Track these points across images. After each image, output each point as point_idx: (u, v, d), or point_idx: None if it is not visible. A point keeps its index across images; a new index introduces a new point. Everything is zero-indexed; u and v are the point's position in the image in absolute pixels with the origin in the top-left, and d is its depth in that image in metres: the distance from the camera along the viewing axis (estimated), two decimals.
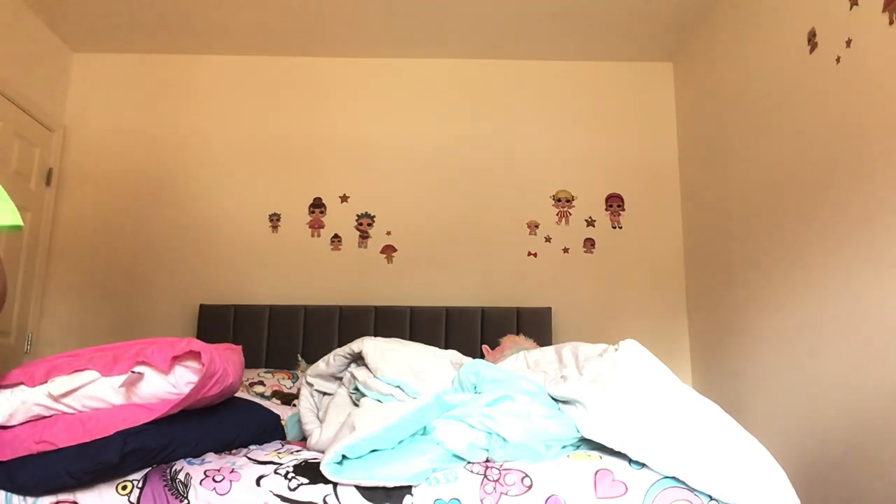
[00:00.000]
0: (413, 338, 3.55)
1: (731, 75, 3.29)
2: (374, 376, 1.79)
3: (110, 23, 3.72)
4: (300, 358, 3.51)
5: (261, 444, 1.82)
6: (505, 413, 1.52)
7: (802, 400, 2.58)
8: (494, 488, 1.39)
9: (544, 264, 3.90)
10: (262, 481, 1.42)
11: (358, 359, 1.92)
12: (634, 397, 1.52)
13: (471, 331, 3.65)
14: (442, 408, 1.58)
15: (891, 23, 2.10)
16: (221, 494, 1.40)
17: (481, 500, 1.37)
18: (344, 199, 3.95)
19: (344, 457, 1.43)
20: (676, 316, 3.85)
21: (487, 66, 4.10)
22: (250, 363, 3.53)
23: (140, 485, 1.44)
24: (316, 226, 3.92)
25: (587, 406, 1.53)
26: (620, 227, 3.95)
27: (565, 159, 4.00)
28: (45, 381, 1.48)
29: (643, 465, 1.41)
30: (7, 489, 1.43)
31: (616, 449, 1.44)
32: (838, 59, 2.38)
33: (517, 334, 3.38)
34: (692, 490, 1.37)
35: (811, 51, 2.56)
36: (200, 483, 1.42)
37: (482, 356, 3.08)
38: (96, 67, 4.03)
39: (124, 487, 1.44)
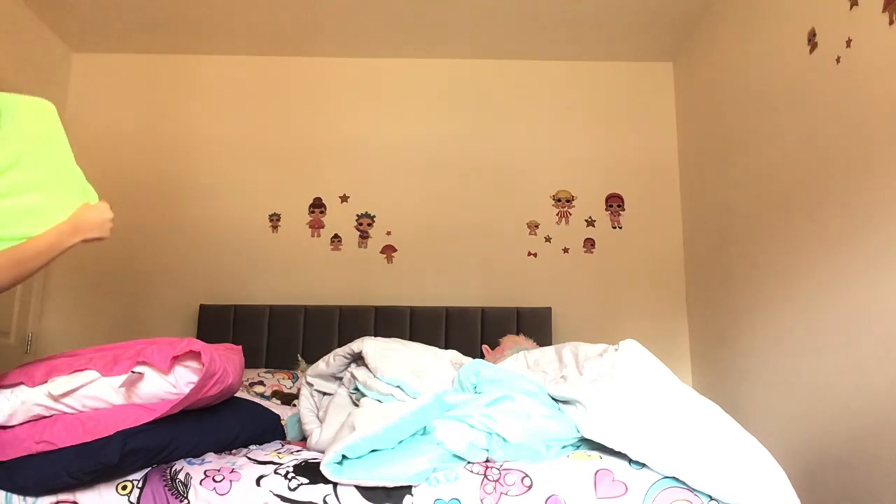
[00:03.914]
0: (413, 338, 3.55)
1: (731, 75, 3.29)
2: (374, 376, 1.79)
3: (110, 23, 3.72)
4: (300, 358, 3.51)
5: (261, 444, 1.82)
6: (505, 413, 1.52)
7: (802, 400, 2.58)
8: (494, 488, 1.39)
9: (544, 264, 3.90)
10: (262, 481, 1.42)
11: (358, 359, 1.92)
12: (634, 397, 1.52)
13: (471, 331, 3.65)
14: (442, 408, 1.58)
15: (891, 23, 2.10)
16: (221, 494, 1.40)
17: (481, 500, 1.37)
18: (344, 199, 3.95)
19: (344, 457, 1.43)
20: (676, 316, 3.85)
21: (487, 66, 4.09)
22: (250, 363, 3.53)
23: (140, 485, 1.44)
24: (316, 226, 3.92)
25: (587, 406, 1.53)
26: (620, 227, 3.95)
27: (565, 159, 4.00)
28: (45, 381, 1.49)
29: (643, 465, 1.41)
30: (7, 489, 1.44)
31: (616, 449, 1.44)
32: (838, 59, 2.38)
33: (517, 334, 3.38)
34: (692, 490, 1.37)
35: (811, 51, 2.56)
36: (200, 483, 1.42)
37: (482, 356, 3.08)
38: (96, 67, 4.03)
39: (124, 487, 1.44)
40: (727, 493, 1.34)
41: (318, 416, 1.90)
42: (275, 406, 2.65)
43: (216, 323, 3.65)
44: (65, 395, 1.47)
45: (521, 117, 4.04)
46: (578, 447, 1.55)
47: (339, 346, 3.07)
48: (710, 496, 1.36)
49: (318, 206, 3.94)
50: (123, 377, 1.47)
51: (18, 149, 1.52)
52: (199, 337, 3.52)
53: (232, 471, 1.45)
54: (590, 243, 3.92)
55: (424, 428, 1.53)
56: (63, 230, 1.56)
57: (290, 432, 2.00)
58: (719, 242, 3.41)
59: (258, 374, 3.18)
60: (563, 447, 1.54)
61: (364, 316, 3.68)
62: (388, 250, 3.90)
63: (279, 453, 1.60)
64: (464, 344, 3.56)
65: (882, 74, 2.14)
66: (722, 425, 1.45)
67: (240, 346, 1.89)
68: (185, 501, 1.40)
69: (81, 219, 1.61)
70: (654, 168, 4.00)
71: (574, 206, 3.96)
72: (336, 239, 3.91)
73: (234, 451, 1.68)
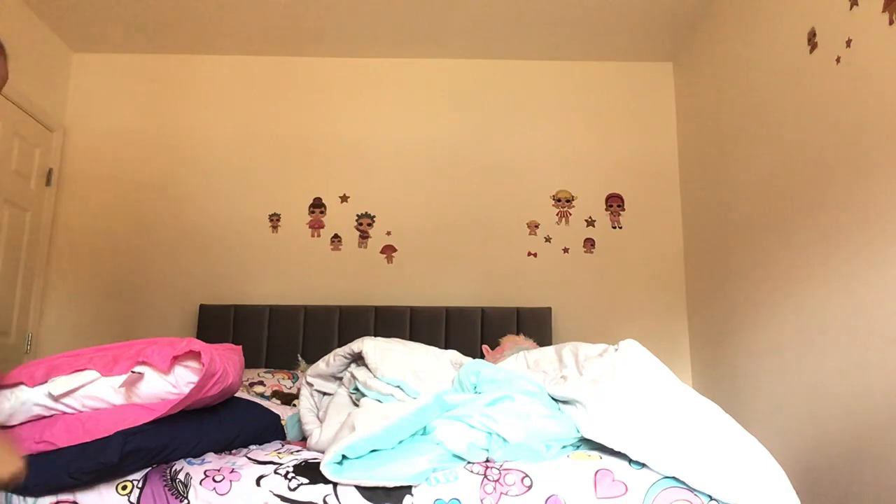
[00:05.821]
0: (413, 338, 3.55)
1: (731, 75, 3.29)
2: (374, 376, 1.79)
3: (110, 23, 3.72)
4: (300, 358, 3.51)
5: (261, 444, 1.82)
6: (505, 413, 1.52)
7: (802, 400, 2.58)
8: (494, 488, 1.39)
9: (544, 264, 3.90)
10: (262, 481, 1.42)
11: (358, 359, 1.92)
12: (634, 397, 1.52)
13: (471, 331, 3.65)
14: (442, 408, 1.58)
15: (891, 23, 2.10)
16: (221, 494, 1.40)
17: (481, 500, 1.37)
18: (344, 199, 3.95)
19: (344, 457, 1.43)
20: (676, 316, 3.85)
21: (487, 66, 4.10)
22: (250, 363, 3.53)
23: (140, 485, 1.44)
24: (316, 226, 3.92)
25: (587, 406, 1.53)
26: (620, 227, 3.95)
27: (565, 159, 4.00)
28: (45, 381, 1.49)
29: (643, 465, 1.41)
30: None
31: (616, 449, 1.44)
32: (838, 59, 2.38)
33: (517, 334, 3.38)
34: (692, 490, 1.37)
35: (811, 51, 2.56)
36: (200, 483, 1.42)
37: (482, 356, 3.08)
38: (96, 67, 4.03)
39: (124, 487, 1.44)
40: (727, 493, 1.34)
41: (318, 416, 1.90)
42: (275, 406, 2.65)
43: (216, 323, 3.65)
44: (65, 395, 1.47)
45: (521, 117, 4.04)
46: (578, 447, 1.55)
47: (339, 346, 3.07)
48: (710, 496, 1.36)
49: (318, 206, 3.94)
50: (123, 377, 1.47)
51: None
52: (199, 337, 3.52)
53: (232, 471, 1.45)
54: (590, 243, 3.92)
55: (424, 428, 1.53)
56: None
57: (290, 432, 2.00)
58: (719, 242, 3.41)
59: (258, 374, 3.18)
60: (563, 447, 1.53)
61: (364, 316, 3.68)
62: (388, 250, 3.90)
63: (279, 453, 1.60)
64: (464, 344, 3.56)
65: (882, 74, 2.14)
66: (722, 425, 1.45)
67: (240, 346, 1.89)
68: (185, 501, 1.40)
69: None
70: (654, 168, 4.00)
71: (574, 206, 3.96)
72: (336, 239, 3.91)
73: (234, 451, 1.68)
